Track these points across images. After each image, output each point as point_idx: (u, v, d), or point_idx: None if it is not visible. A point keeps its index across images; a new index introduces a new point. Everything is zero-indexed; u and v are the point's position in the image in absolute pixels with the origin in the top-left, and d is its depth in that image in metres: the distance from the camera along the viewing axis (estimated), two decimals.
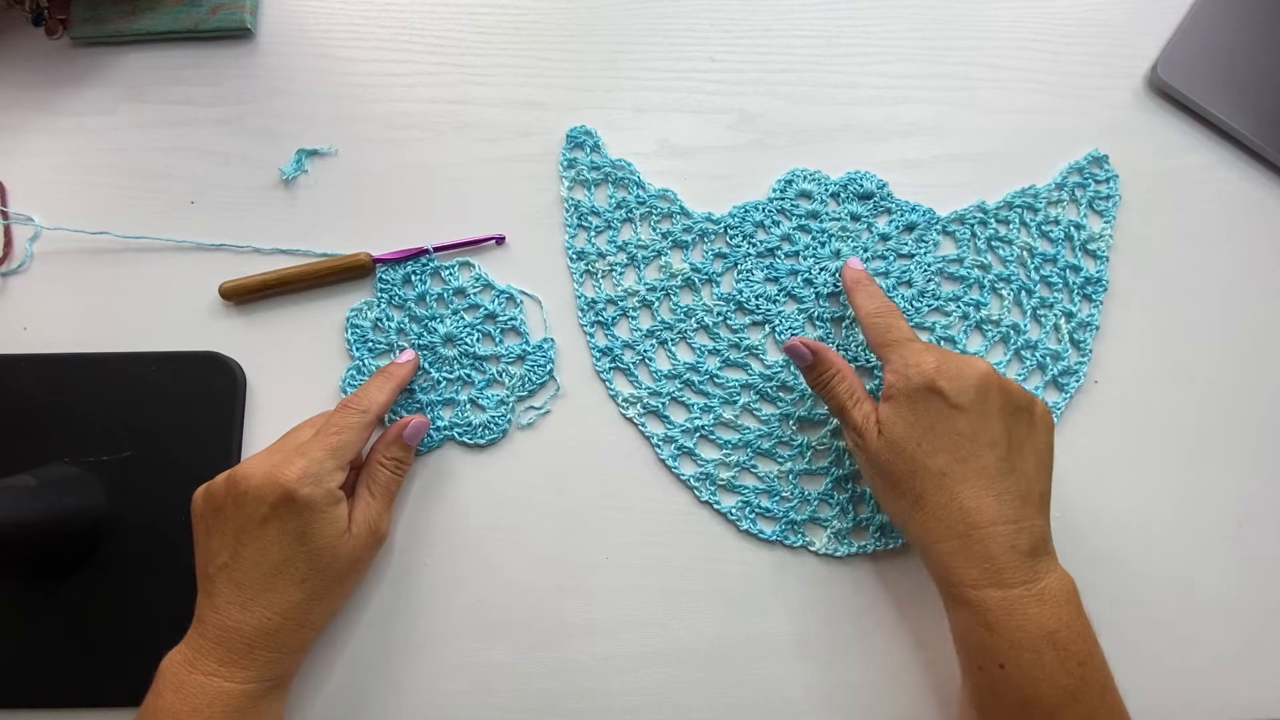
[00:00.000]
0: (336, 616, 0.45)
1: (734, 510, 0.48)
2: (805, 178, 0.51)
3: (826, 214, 0.50)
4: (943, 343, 0.49)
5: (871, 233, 0.50)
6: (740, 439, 0.48)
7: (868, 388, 0.48)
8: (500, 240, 0.51)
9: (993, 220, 0.50)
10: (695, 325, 0.50)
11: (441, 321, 0.49)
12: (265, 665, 0.40)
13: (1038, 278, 0.50)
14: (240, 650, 0.39)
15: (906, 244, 0.50)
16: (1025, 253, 0.50)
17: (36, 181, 0.52)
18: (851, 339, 0.49)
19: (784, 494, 0.48)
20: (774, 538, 0.48)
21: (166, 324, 0.50)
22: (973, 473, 0.39)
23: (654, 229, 0.51)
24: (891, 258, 0.50)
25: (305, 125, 0.52)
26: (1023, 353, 0.49)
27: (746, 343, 0.49)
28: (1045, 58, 0.53)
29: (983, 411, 0.39)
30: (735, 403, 0.49)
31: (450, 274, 0.50)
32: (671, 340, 0.50)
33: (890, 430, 0.40)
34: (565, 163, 0.51)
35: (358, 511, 0.43)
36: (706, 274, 0.50)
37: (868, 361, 0.49)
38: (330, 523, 0.41)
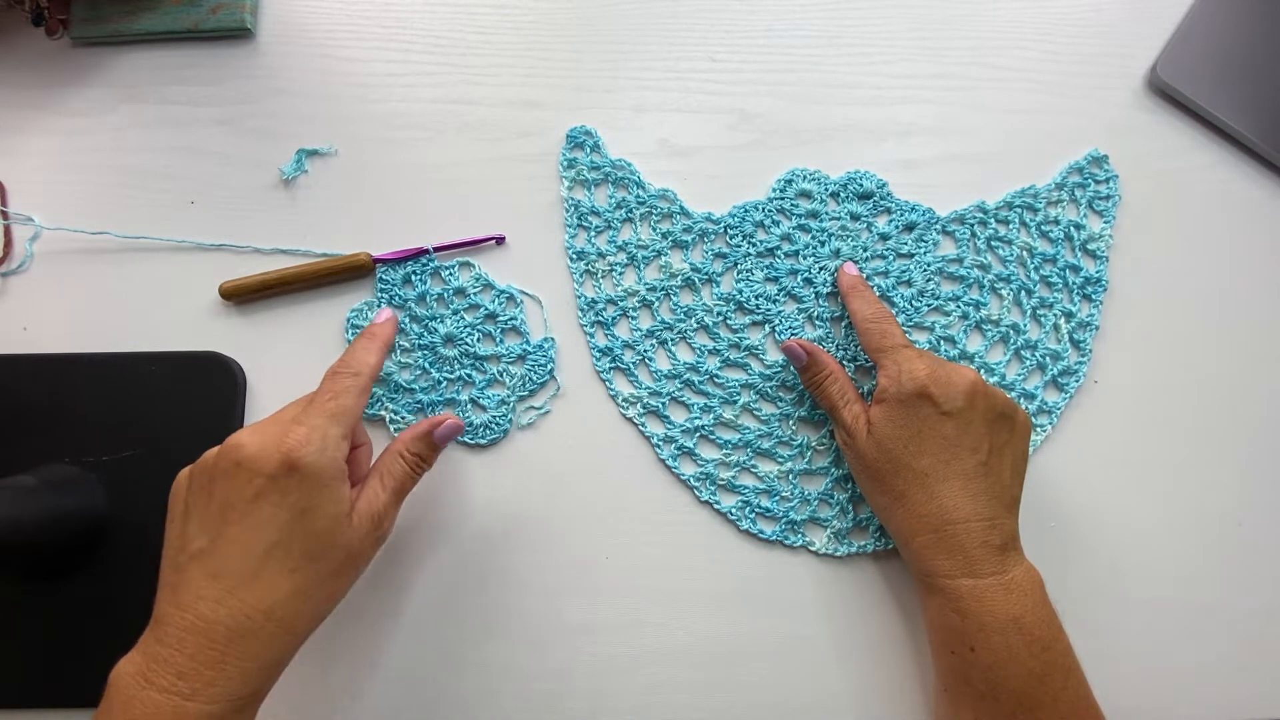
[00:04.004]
0: (323, 623, 0.40)
1: (734, 510, 0.48)
2: (805, 177, 0.51)
3: (826, 214, 0.50)
4: (942, 343, 0.49)
5: (871, 232, 0.50)
6: (740, 439, 0.48)
7: (867, 387, 0.48)
8: (500, 240, 0.51)
9: (992, 220, 0.50)
10: (695, 325, 0.50)
11: (442, 321, 0.49)
12: (235, 680, 0.34)
13: (1037, 278, 0.50)
14: (208, 659, 0.34)
15: (906, 244, 0.50)
16: (1025, 253, 0.50)
17: (36, 181, 0.52)
18: (851, 339, 0.49)
19: (784, 494, 0.48)
20: (774, 538, 0.48)
21: (166, 324, 0.50)
22: (953, 474, 0.41)
23: (654, 229, 0.51)
24: (891, 257, 0.50)
25: (305, 125, 0.52)
26: (1022, 353, 0.49)
27: (746, 343, 0.49)
28: (1045, 58, 0.53)
29: (969, 419, 0.42)
30: (735, 403, 0.49)
31: (450, 274, 0.50)
32: (671, 340, 0.50)
33: (880, 431, 0.43)
34: (565, 163, 0.51)
35: (363, 500, 0.39)
36: (706, 274, 0.50)
37: (867, 361, 0.49)
38: (332, 500, 0.37)
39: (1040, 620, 0.40)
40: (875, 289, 0.49)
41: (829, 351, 0.48)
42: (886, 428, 0.42)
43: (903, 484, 0.42)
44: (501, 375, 0.49)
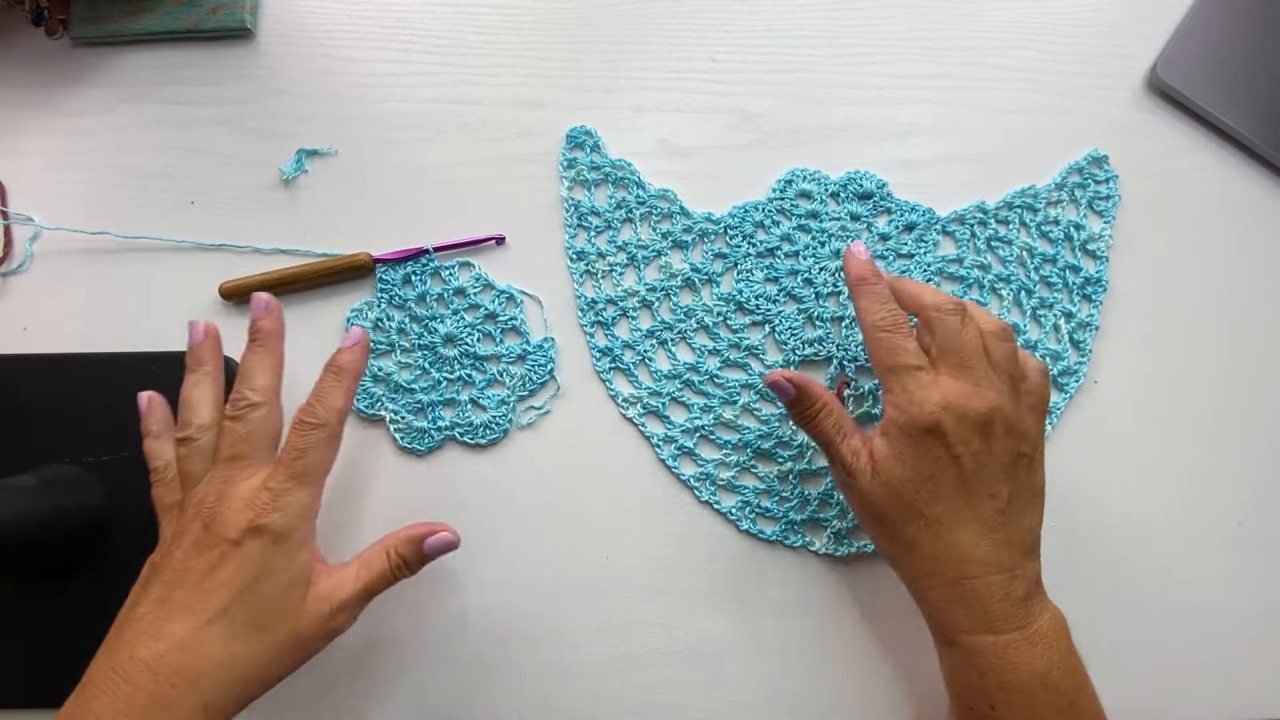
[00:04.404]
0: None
1: (734, 510, 0.48)
2: (805, 178, 0.51)
3: (826, 214, 0.50)
4: None
5: (871, 233, 0.50)
6: (740, 439, 0.48)
7: (868, 386, 0.48)
8: (500, 240, 0.51)
9: (992, 220, 0.50)
10: (695, 325, 0.50)
11: (442, 321, 0.49)
12: None
13: (1037, 278, 0.50)
14: None
15: (906, 244, 0.50)
16: (1025, 253, 0.50)
17: (36, 181, 0.52)
18: (851, 338, 0.49)
19: (784, 494, 0.48)
20: (774, 538, 0.48)
21: (166, 324, 0.50)
22: (968, 520, 0.38)
23: (654, 229, 0.51)
24: (891, 258, 0.50)
25: (305, 125, 0.52)
26: None
27: (746, 343, 0.49)
28: (1045, 58, 0.53)
29: (985, 461, 0.38)
30: (735, 403, 0.49)
31: (450, 274, 0.50)
32: (671, 340, 0.50)
33: (886, 472, 0.38)
34: (565, 163, 0.51)
35: (329, 582, 0.38)
36: (706, 274, 0.50)
37: (867, 361, 0.49)
38: (288, 567, 0.36)
39: (1066, 672, 0.37)
40: None
41: (829, 352, 0.48)
42: (894, 468, 0.38)
43: (914, 532, 0.38)
44: (501, 375, 0.49)
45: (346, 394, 0.40)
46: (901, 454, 0.38)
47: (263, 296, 0.42)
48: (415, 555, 0.40)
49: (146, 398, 0.43)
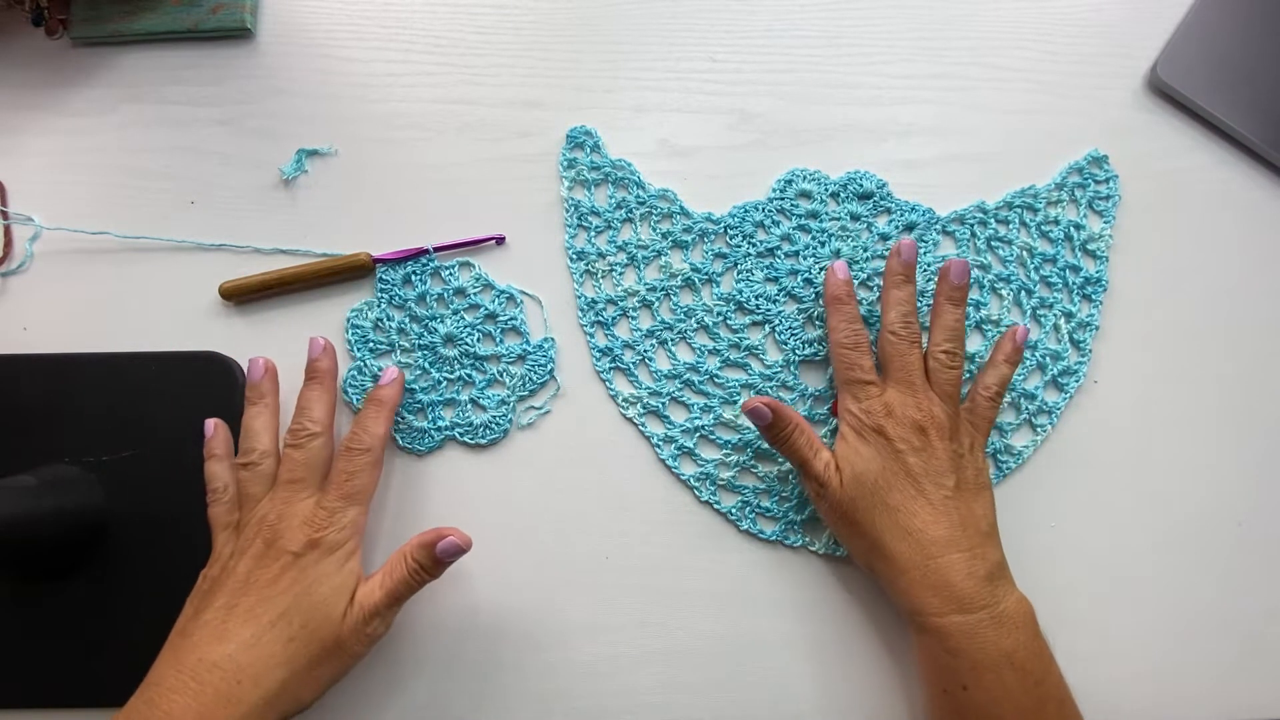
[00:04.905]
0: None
1: (734, 510, 0.48)
2: (805, 178, 0.51)
3: (826, 214, 0.50)
4: None
5: (871, 232, 0.50)
6: (740, 439, 0.48)
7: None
8: (500, 240, 0.51)
9: (992, 220, 0.50)
10: (695, 325, 0.50)
11: (442, 321, 0.49)
12: None
13: (1037, 278, 0.50)
14: None
15: None
16: (1025, 253, 0.50)
17: (36, 181, 0.52)
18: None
19: (784, 494, 0.48)
20: (774, 538, 0.48)
21: (166, 324, 0.50)
22: (923, 505, 0.42)
23: (654, 229, 0.51)
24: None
25: (305, 125, 0.52)
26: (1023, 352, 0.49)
27: (746, 343, 0.49)
28: (1045, 58, 0.53)
29: (927, 458, 0.42)
30: (735, 403, 0.49)
31: (450, 274, 0.50)
32: (671, 340, 0.50)
33: (847, 470, 0.43)
34: (565, 163, 0.51)
35: (361, 590, 0.41)
36: (706, 274, 0.50)
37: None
38: (339, 572, 0.41)
39: (1032, 654, 0.40)
40: (873, 292, 0.49)
41: (829, 352, 0.48)
42: (854, 463, 0.43)
43: (878, 522, 0.42)
44: (501, 375, 0.49)
45: (386, 422, 0.45)
46: (858, 451, 0.43)
47: (319, 340, 0.46)
48: (429, 559, 0.42)
49: (212, 424, 0.46)
